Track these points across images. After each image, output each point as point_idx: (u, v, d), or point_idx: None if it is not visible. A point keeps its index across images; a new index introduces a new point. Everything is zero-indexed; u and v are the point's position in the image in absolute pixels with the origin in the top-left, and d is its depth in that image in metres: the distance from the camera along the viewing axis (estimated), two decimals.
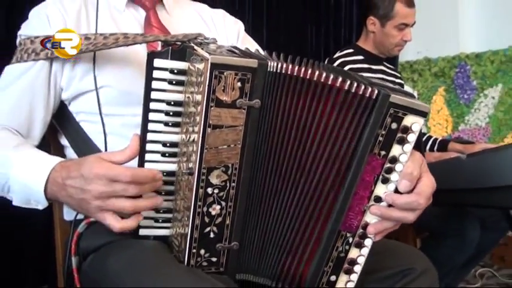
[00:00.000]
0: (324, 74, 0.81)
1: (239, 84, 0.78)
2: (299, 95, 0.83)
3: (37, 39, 1.03)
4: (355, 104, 0.82)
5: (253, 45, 1.28)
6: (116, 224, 0.82)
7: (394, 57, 2.87)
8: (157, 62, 0.84)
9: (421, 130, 0.84)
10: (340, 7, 3.25)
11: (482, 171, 1.49)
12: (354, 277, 0.89)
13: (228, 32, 1.26)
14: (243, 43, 1.26)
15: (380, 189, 0.84)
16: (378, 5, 2.23)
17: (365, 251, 0.88)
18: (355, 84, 0.81)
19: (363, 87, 0.81)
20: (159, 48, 0.92)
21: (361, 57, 2.26)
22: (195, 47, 0.84)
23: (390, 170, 0.83)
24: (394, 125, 0.81)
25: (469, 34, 3.42)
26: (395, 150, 0.82)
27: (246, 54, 0.86)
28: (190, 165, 0.82)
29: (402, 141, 0.82)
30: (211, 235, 0.84)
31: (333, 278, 0.89)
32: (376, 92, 0.81)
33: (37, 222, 1.89)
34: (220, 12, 1.31)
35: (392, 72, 2.39)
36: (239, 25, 1.30)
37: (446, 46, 3.39)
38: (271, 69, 0.80)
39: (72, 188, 0.84)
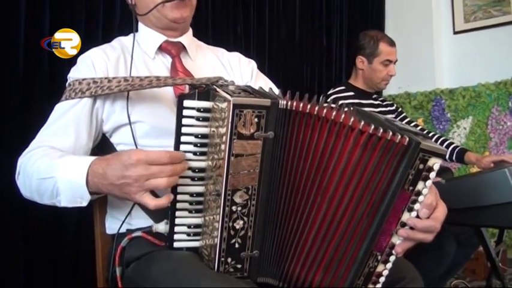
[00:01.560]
0: (343, 116, 0.86)
1: (256, 119, 0.83)
2: (314, 129, 0.87)
3: (84, 81, 1.08)
4: (382, 146, 0.85)
5: (266, 81, 1.33)
6: (151, 202, 0.85)
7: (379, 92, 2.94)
8: (187, 103, 0.89)
9: None
10: (331, 49, 3.30)
11: (458, 194, 1.53)
12: (379, 286, 0.93)
13: (243, 71, 1.31)
14: (257, 79, 1.31)
15: (405, 216, 0.88)
16: (364, 45, 2.31)
17: (389, 265, 0.91)
18: (381, 130, 0.85)
19: (390, 133, 0.84)
20: (187, 90, 0.96)
21: (351, 93, 2.31)
22: (217, 89, 0.89)
23: (415, 201, 0.87)
24: (421, 166, 0.85)
25: (443, 72, 3.48)
26: (420, 185, 0.86)
27: (261, 94, 0.90)
28: (217, 187, 0.86)
29: (426, 178, 0.86)
30: (236, 245, 0.88)
31: None
32: (407, 139, 0.84)
33: (68, 236, 1.91)
34: (236, 55, 1.36)
35: (383, 103, 2.43)
36: (252, 64, 1.35)
37: (424, 82, 3.43)
38: (282, 107, 0.85)
39: (113, 175, 0.87)
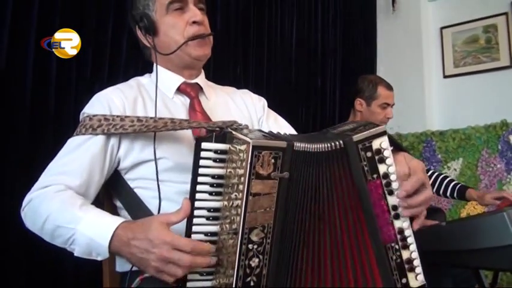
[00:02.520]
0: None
1: (273, 160, 0.87)
2: (328, 166, 0.93)
3: (95, 117, 1.09)
4: (341, 156, 0.93)
5: (276, 118, 1.38)
6: (171, 279, 0.88)
7: None
8: (205, 145, 0.93)
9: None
10: (326, 89, 3.35)
11: (457, 236, 1.55)
12: (419, 270, 0.95)
13: (256, 107, 1.35)
14: (268, 117, 1.35)
15: (391, 200, 0.93)
16: (363, 89, 2.37)
17: (413, 247, 0.95)
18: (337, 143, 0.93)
19: (337, 143, 0.92)
20: (203, 133, 1.00)
21: None
22: (233, 132, 0.93)
23: (389, 184, 0.93)
24: (369, 154, 0.92)
25: (433, 115, 3.53)
26: (382, 168, 0.92)
27: (276, 136, 0.96)
28: (234, 226, 0.88)
29: (382, 160, 0.92)
30: (252, 283, 0.89)
31: (404, 280, 0.94)
32: (341, 141, 0.92)
33: (65, 272, 1.88)
34: (247, 92, 1.41)
35: None
36: (263, 101, 1.40)
37: (415, 124, 3.47)
38: (296, 148, 0.90)
39: (136, 247, 0.89)
